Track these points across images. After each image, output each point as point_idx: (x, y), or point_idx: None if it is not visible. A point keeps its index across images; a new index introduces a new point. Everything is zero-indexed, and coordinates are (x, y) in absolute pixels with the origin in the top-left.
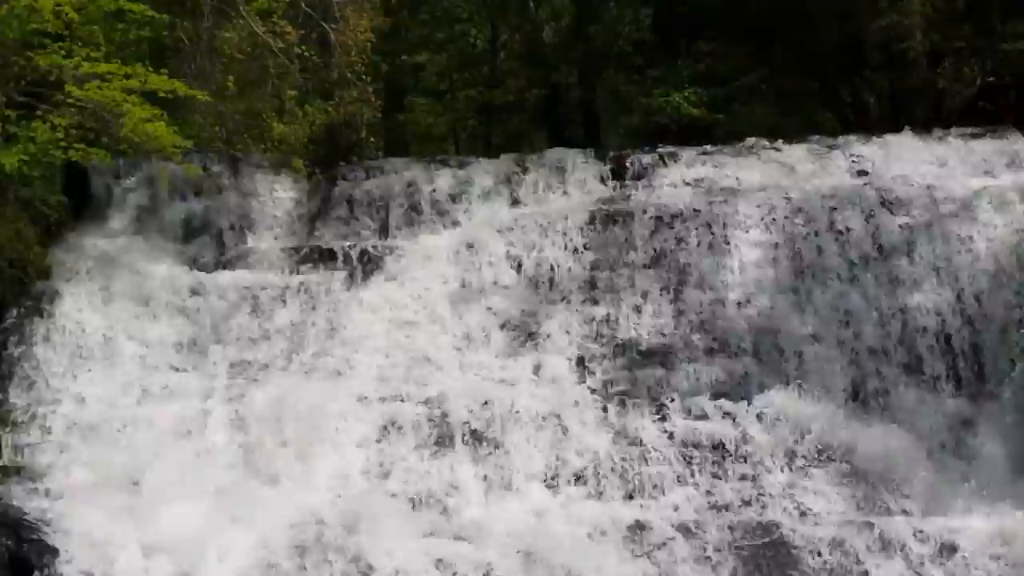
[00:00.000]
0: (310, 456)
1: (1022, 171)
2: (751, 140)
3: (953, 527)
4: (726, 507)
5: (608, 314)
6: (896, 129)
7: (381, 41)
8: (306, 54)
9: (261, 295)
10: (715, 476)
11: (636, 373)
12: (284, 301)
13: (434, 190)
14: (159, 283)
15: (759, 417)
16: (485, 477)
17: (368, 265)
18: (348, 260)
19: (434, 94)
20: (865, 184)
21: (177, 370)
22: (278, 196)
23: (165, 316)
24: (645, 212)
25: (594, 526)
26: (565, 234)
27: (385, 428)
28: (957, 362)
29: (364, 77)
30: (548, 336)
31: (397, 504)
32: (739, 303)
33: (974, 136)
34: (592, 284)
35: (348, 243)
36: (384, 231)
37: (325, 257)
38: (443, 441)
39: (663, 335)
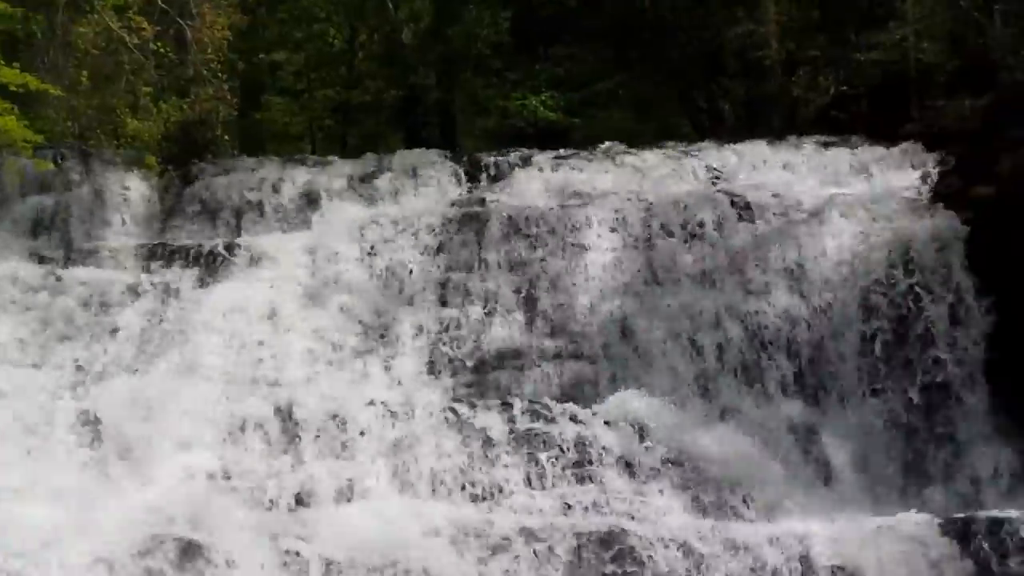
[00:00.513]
0: (156, 456)
1: (872, 180)
2: (607, 145)
3: (800, 531)
4: (573, 511)
5: (460, 316)
6: (751, 136)
7: (238, 39)
8: (162, 51)
9: (110, 292)
10: (562, 479)
11: (486, 375)
12: (133, 299)
13: (289, 189)
14: (6, 279)
15: (608, 421)
16: (333, 477)
17: (220, 264)
18: (199, 259)
19: (291, 93)
20: (718, 190)
21: (22, 367)
22: (130, 193)
23: (12, 312)
24: (500, 215)
25: (441, 527)
26: (419, 235)
27: (233, 428)
28: (804, 368)
29: (220, 75)
30: (399, 337)
31: (244, 504)
32: (591, 306)
33: (827, 145)
34: (445, 286)
35: (200, 241)
36: (237, 230)
37: (176, 255)
38: (292, 441)
39: (514, 338)
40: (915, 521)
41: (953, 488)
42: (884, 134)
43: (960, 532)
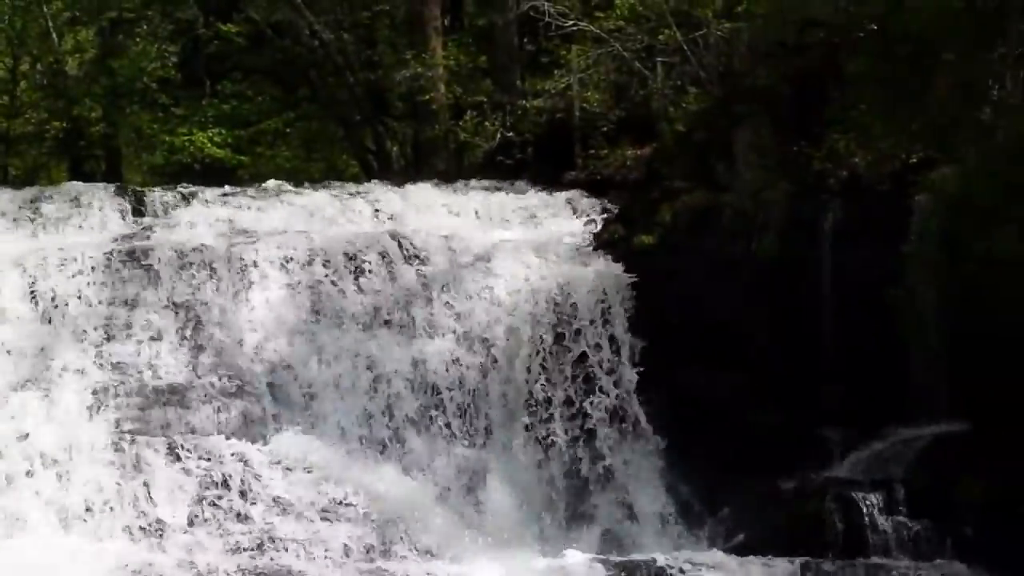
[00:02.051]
0: None
1: (538, 226)
2: (274, 183)
3: (465, 572)
4: (238, 550)
5: (124, 351)
6: (418, 179)
7: None
8: None
9: None
10: (228, 518)
11: (150, 412)
12: None
13: None
14: None
15: (274, 460)
16: None
17: None
18: None
19: None
20: (386, 232)
21: None
22: None
23: None
24: (165, 250)
25: (103, 567)
26: (82, 270)
27: None
28: (470, 410)
29: None
30: (61, 372)
31: None
32: (257, 345)
33: (493, 189)
34: (110, 320)
35: None
36: None
37: None
38: None
39: (180, 374)
40: (577, 561)
41: (616, 528)
42: (549, 181)
43: (620, 573)
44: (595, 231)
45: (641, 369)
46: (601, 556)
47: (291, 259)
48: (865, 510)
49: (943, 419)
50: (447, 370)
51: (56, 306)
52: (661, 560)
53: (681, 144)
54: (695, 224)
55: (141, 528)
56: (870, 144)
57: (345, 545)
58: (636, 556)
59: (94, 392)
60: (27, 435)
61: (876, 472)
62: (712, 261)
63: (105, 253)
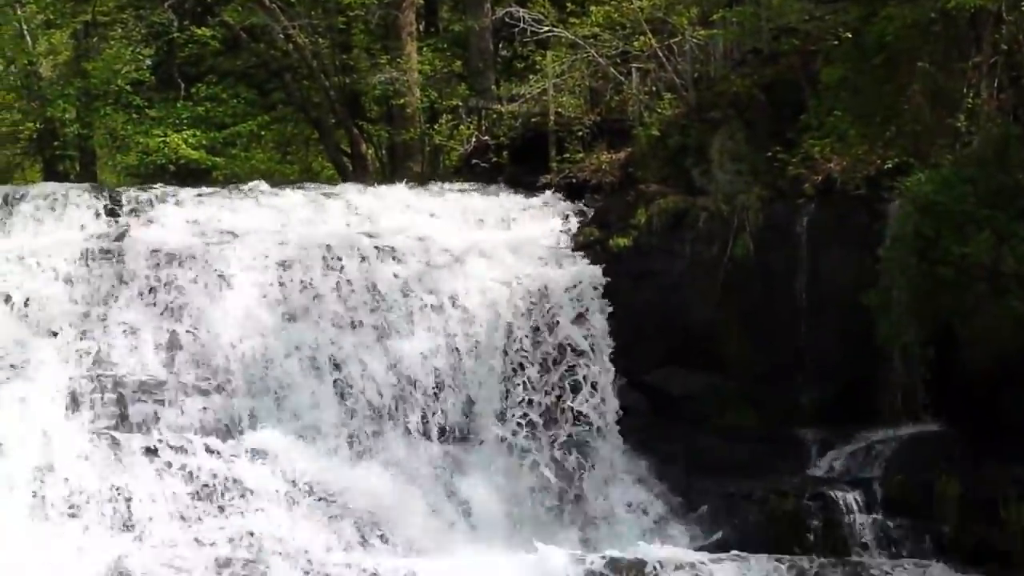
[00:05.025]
0: None
1: (512, 226)
2: (249, 184)
3: (444, 567)
4: (216, 544)
5: (100, 348)
6: (393, 181)
7: None
8: None
9: None
10: (205, 514)
11: (127, 408)
12: None
13: None
14: None
15: (250, 455)
16: None
17: None
18: None
19: None
20: (361, 233)
21: None
22: None
23: None
24: (141, 249)
25: (78, 564)
26: (58, 267)
27: None
28: (448, 408)
29: None
30: (38, 368)
31: None
32: (233, 343)
33: (468, 192)
34: (86, 318)
35: None
36: None
37: None
38: None
39: (156, 371)
40: (556, 558)
41: (594, 526)
42: (525, 184)
43: (599, 570)
44: (571, 233)
45: (617, 369)
46: (579, 553)
47: (267, 258)
48: (844, 509)
49: (920, 419)
50: (423, 368)
51: (32, 304)
52: (640, 557)
53: (656, 148)
54: (670, 227)
55: (118, 523)
56: (845, 150)
57: (324, 540)
58: (614, 553)
59: (70, 389)
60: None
61: (854, 472)
62: (688, 263)
63: (81, 251)
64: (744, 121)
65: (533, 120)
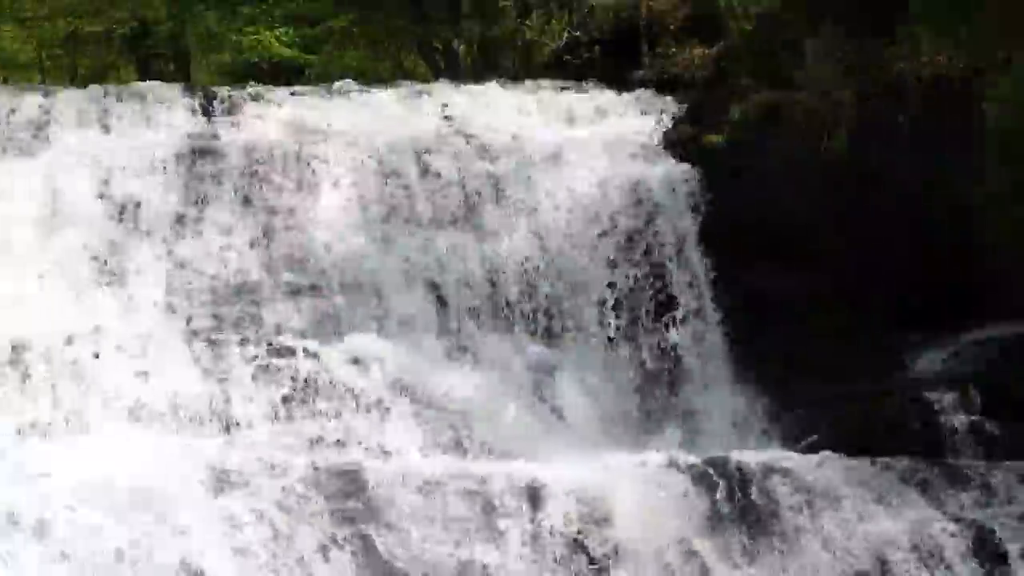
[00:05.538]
0: None
1: (605, 123)
2: (341, 83)
3: (537, 472)
4: (312, 446)
5: (195, 250)
6: (485, 78)
7: None
8: None
9: None
10: (301, 415)
11: (223, 310)
12: None
13: (17, 117)
14: None
15: (346, 357)
16: (66, 413)
17: None
18: None
19: (19, 21)
20: (454, 131)
21: None
22: None
23: None
24: (236, 149)
25: (179, 463)
26: (153, 168)
27: None
28: (542, 310)
29: None
30: (135, 271)
31: None
32: (327, 244)
33: (561, 89)
34: (180, 219)
35: None
36: None
37: None
38: (22, 376)
39: (252, 273)
40: (652, 461)
41: (690, 428)
42: (617, 80)
43: (699, 472)
44: (664, 130)
45: (712, 268)
46: (676, 455)
47: (360, 159)
48: (941, 410)
49: (1019, 319)
50: (517, 268)
51: (128, 205)
52: (737, 459)
53: (750, 42)
54: (765, 123)
55: (217, 424)
56: (948, 45)
57: (417, 443)
58: (712, 455)
59: (168, 291)
60: (106, 334)
61: (951, 372)
62: (782, 160)
63: (175, 152)
64: (842, 12)
65: (624, 15)
